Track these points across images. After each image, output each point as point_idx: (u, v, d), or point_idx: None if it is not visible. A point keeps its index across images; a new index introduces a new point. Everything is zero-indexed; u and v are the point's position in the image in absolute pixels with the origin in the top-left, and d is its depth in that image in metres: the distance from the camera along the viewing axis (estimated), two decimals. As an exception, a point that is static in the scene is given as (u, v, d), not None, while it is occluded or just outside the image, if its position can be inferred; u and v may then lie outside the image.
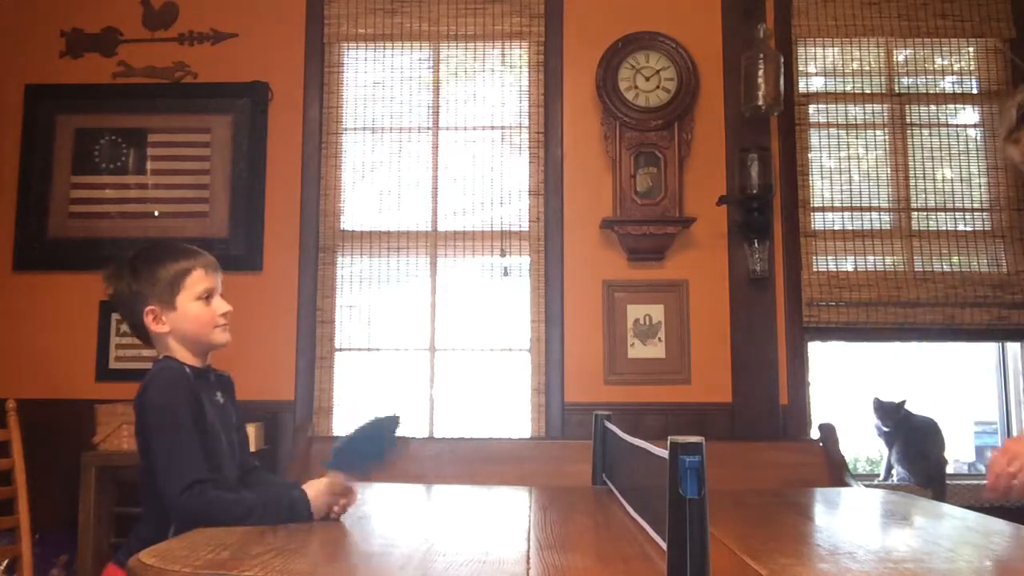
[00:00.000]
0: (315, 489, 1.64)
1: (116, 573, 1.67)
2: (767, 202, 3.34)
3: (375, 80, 3.64)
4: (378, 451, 1.68)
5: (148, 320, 1.77)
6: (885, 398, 3.30)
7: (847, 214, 3.53)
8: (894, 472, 3.30)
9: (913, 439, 3.26)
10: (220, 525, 1.53)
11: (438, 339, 3.52)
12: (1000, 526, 1.66)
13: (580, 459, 2.69)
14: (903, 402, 3.28)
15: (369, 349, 3.53)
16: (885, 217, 3.55)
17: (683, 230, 3.41)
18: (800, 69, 3.59)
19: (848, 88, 3.62)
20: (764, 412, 3.34)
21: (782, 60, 3.30)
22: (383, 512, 1.89)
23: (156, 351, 1.82)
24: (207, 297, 1.80)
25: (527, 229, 3.52)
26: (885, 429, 3.28)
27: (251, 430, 3.09)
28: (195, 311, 1.78)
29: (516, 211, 3.55)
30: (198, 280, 1.80)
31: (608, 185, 3.46)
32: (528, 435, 3.39)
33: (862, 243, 3.50)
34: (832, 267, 3.48)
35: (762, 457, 3.09)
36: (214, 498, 1.59)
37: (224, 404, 1.85)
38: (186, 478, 1.59)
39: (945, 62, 3.66)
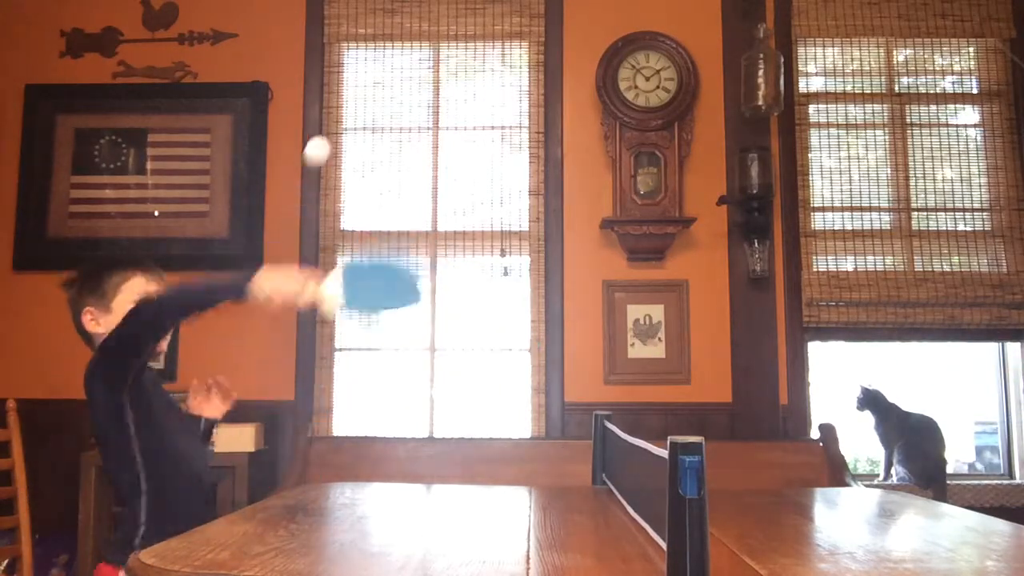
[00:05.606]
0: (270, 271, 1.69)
1: (108, 572, 1.68)
2: (767, 202, 3.34)
3: (375, 80, 3.64)
4: (388, 293, 1.63)
5: (86, 320, 1.80)
6: (872, 386, 3.37)
7: (847, 214, 3.53)
8: (894, 472, 3.30)
9: (913, 439, 3.27)
10: (186, 303, 1.72)
11: (438, 339, 3.52)
12: (1000, 526, 1.66)
13: (580, 459, 2.69)
14: (877, 391, 3.33)
15: (369, 349, 3.53)
16: (885, 217, 3.55)
17: (683, 230, 3.41)
18: (800, 69, 3.59)
19: (848, 88, 3.62)
20: (764, 412, 3.34)
21: (782, 60, 3.30)
22: (383, 512, 1.89)
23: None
24: None
25: (527, 229, 3.52)
26: (858, 409, 3.35)
27: (251, 430, 3.11)
28: None
29: (516, 211, 3.55)
30: (137, 285, 1.84)
31: (608, 185, 3.46)
32: (528, 435, 3.39)
33: (862, 243, 3.50)
34: (832, 267, 3.48)
35: (762, 457, 3.09)
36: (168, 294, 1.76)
37: None
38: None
39: (945, 62, 3.66)
